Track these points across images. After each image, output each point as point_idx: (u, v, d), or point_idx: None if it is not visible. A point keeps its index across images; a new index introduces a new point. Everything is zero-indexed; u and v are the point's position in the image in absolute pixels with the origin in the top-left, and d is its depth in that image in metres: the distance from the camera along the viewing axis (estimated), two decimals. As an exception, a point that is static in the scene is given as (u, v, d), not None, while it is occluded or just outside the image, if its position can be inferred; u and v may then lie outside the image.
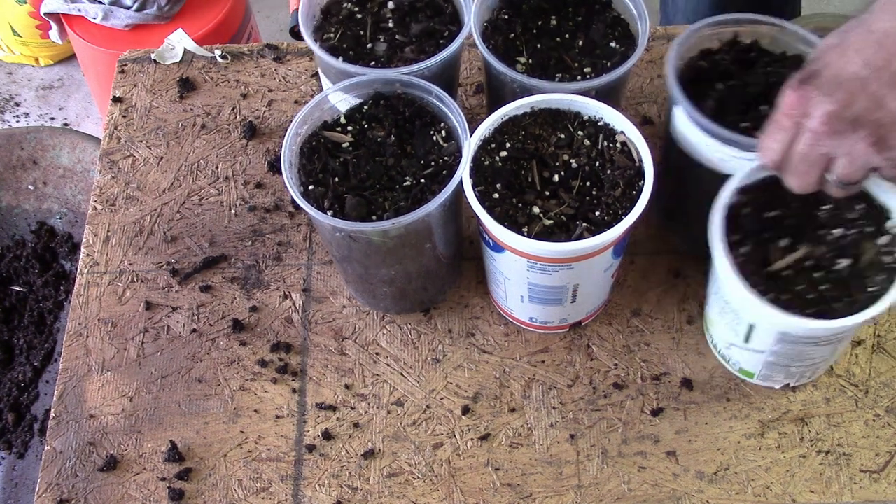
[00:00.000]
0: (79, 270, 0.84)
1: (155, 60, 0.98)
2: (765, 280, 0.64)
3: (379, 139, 0.71)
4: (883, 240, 0.65)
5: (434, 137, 0.71)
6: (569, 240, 0.65)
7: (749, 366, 0.72)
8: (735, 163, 0.69)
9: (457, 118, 0.70)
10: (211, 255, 0.84)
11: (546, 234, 0.66)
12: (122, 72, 0.98)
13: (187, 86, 0.96)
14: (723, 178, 0.70)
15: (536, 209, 0.67)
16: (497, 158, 0.69)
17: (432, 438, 0.74)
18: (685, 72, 0.74)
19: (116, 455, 0.74)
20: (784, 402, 0.74)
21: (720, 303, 0.69)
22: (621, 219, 0.65)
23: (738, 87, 0.72)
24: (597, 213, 0.67)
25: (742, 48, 0.75)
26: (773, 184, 0.67)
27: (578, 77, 0.76)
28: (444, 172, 0.69)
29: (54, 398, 0.77)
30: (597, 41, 0.78)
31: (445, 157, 0.70)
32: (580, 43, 0.78)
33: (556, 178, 0.69)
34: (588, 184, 0.68)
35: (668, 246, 0.83)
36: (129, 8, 1.51)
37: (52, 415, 0.76)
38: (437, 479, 0.72)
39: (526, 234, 0.65)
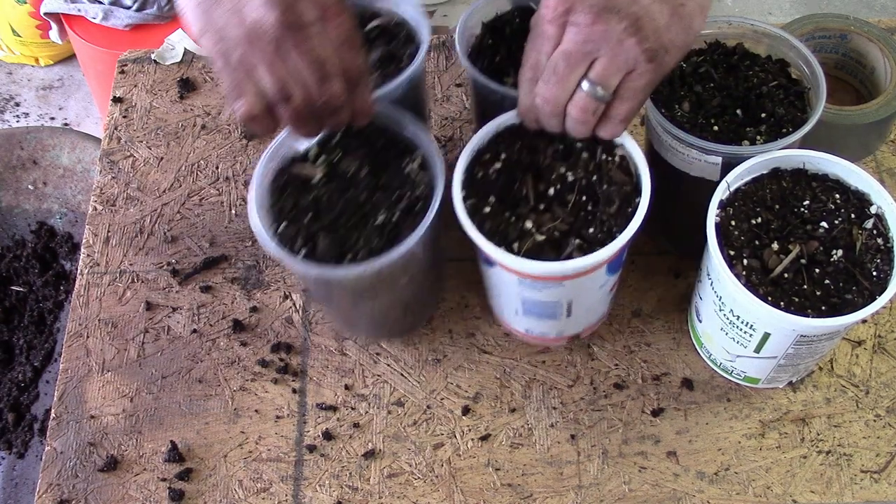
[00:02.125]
0: (79, 271, 0.84)
1: (155, 60, 0.98)
2: (771, 288, 0.64)
3: (351, 172, 0.69)
4: (869, 223, 0.66)
5: (407, 168, 0.69)
6: (559, 258, 0.63)
7: (756, 373, 0.72)
8: (700, 165, 0.69)
9: (430, 147, 0.68)
10: (211, 255, 0.84)
11: (537, 251, 0.64)
12: (122, 72, 0.98)
13: (187, 86, 0.96)
14: (692, 179, 0.71)
15: (529, 223, 0.65)
16: (491, 170, 0.68)
17: (433, 439, 0.74)
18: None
19: (117, 455, 0.74)
20: (785, 403, 0.74)
21: (723, 320, 0.68)
22: (615, 237, 0.63)
23: (717, 89, 0.72)
24: (591, 230, 0.65)
25: (725, 51, 0.75)
26: (747, 193, 0.67)
27: None
28: (419, 206, 0.66)
29: (54, 398, 0.77)
30: None
31: (420, 190, 0.67)
32: None
33: (552, 191, 0.67)
34: (584, 198, 0.67)
35: (668, 246, 0.83)
36: (129, 8, 1.51)
37: (53, 415, 0.76)
38: (437, 479, 0.72)
39: (515, 250, 0.64)
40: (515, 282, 0.67)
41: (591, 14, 0.57)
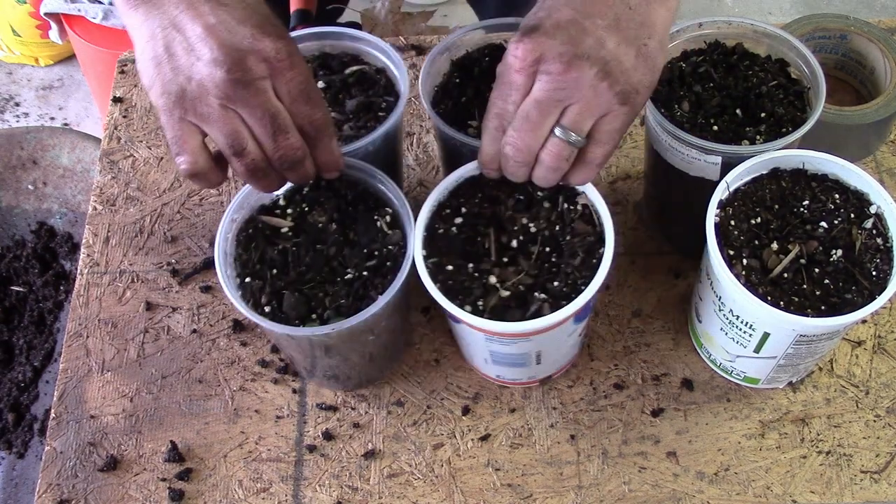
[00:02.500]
0: (79, 271, 0.84)
1: (155, 60, 0.98)
2: (771, 288, 0.64)
3: (320, 225, 0.68)
4: (868, 223, 0.66)
5: (378, 223, 0.68)
6: (524, 317, 0.62)
7: (756, 373, 0.72)
8: (700, 165, 0.69)
9: (401, 204, 0.67)
10: (211, 255, 0.84)
11: (502, 308, 0.63)
12: (122, 72, 0.98)
13: (187, 86, 0.96)
14: (692, 179, 0.71)
15: (493, 279, 0.64)
16: (452, 225, 0.67)
17: (433, 439, 0.74)
18: (663, 73, 0.74)
19: (117, 455, 0.74)
20: (784, 403, 0.74)
21: (723, 320, 0.68)
22: (581, 289, 0.62)
23: (716, 89, 0.72)
24: (555, 284, 0.64)
25: (725, 51, 0.75)
26: (747, 193, 0.67)
27: None
28: (388, 264, 0.66)
29: (54, 398, 0.77)
30: None
31: (389, 247, 0.66)
32: None
33: (515, 243, 0.66)
34: (548, 249, 0.66)
35: (668, 246, 0.83)
36: (129, 8, 1.51)
37: (53, 415, 0.76)
38: (437, 479, 0.72)
39: (481, 309, 0.63)
40: (482, 337, 0.66)
41: (561, 63, 0.57)
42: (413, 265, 0.65)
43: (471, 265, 0.65)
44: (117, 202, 0.89)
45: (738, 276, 0.63)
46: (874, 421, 0.73)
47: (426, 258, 0.65)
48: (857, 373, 0.75)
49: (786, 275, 0.64)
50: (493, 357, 0.70)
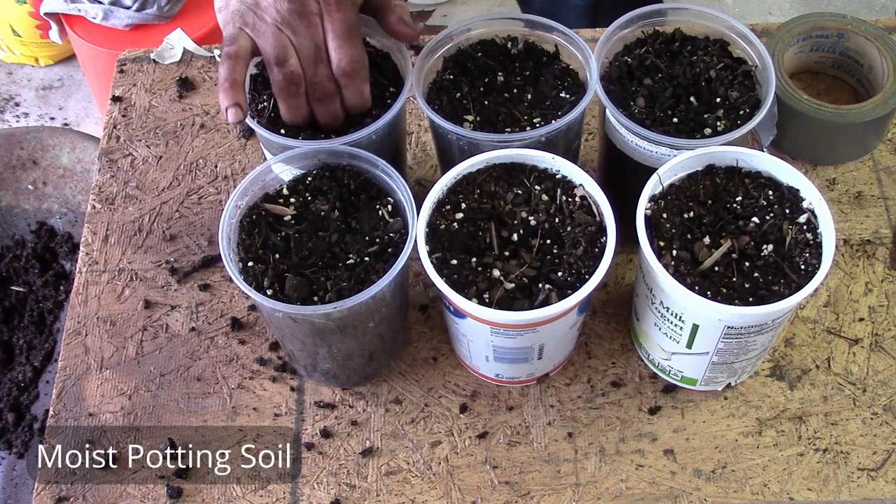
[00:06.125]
0: (77, 269, 0.84)
1: (154, 60, 0.99)
2: (700, 279, 0.64)
3: (323, 213, 0.69)
4: (802, 218, 0.66)
5: (380, 212, 0.69)
6: (532, 306, 0.63)
7: (692, 372, 0.72)
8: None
9: (403, 193, 0.68)
10: (210, 253, 0.85)
11: (508, 300, 0.64)
12: (122, 71, 0.98)
13: (186, 85, 0.96)
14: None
15: (497, 272, 0.65)
16: (453, 221, 0.68)
17: (430, 436, 0.74)
18: (612, 70, 0.74)
19: (115, 453, 0.74)
20: (782, 401, 0.74)
21: (655, 315, 0.68)
22: (585, 279, 0.63)
23: (666, 80, 0.72)
24: (559, 274, 0.64)
25: (665, 38, 0.75)
26: (681, 188, 0.68)
27: (528, 128, 0.72)
28: (390, 250, 0.67)
29: (53, 396, 0.77)
30: (546, 93, 0.75)
31: (391, 234, 0.68)
32: (529, 96, 0.75)
33: (515, 236, 0.67)
34: (549, 241, 0.67)
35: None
36: (129, 8, 1.51)
37: (51, 413, 0.77)
38: (435, 476, 0.72)
39: (487, 301, 0.64)
40: (488, 331, 0.67)
41: None
42: (413, 251, 0.65)
43: (473, 259, 0.66)
44: (116, 201, 0.89)
45: (666, 267, 0.63)
46: (871, 418, 0.73)
47: (429, 254, 0.65)
48: (854, 370, 0.76)
49: (717, 268, 0.65)
50: (495, 354, 0.70)
